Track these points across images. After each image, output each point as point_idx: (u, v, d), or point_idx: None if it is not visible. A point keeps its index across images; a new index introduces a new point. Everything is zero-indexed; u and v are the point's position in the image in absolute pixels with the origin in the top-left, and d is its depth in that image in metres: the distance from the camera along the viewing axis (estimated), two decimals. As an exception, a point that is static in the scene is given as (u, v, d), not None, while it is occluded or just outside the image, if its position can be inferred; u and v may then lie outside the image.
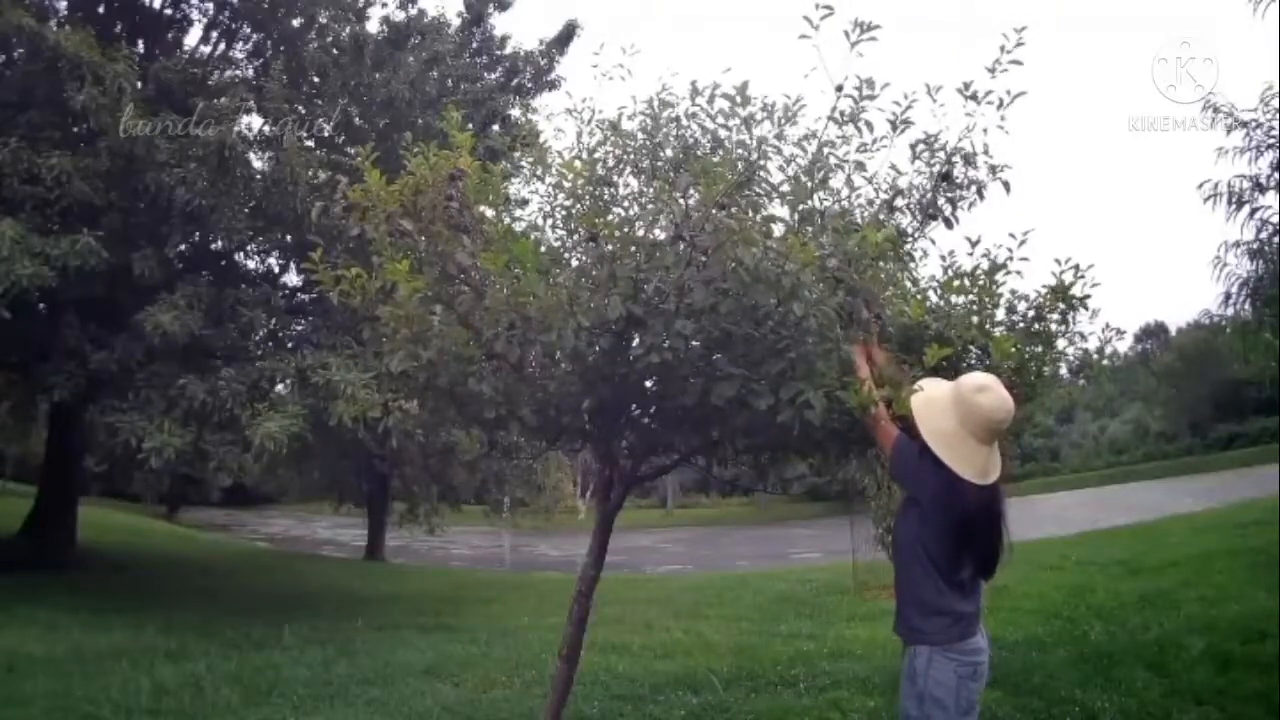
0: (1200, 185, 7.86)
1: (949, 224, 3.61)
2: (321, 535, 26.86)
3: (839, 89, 3.28)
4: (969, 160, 3.55)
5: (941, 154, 3.55)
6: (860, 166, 3.49)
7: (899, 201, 3.58)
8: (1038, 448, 38.84)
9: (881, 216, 3.52)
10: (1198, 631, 6.23)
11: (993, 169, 3.57)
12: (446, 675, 6.58)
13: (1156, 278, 79.75)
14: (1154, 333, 52.25)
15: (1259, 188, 7.61)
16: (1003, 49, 3.34)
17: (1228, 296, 8.28)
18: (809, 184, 3.30)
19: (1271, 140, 7.44)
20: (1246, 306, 8.33)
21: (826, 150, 3.41)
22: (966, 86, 3.37)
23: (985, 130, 3.46)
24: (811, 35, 3.11)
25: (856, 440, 3.32)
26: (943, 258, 3.60)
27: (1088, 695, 4.99)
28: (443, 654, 7.47)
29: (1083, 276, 3.31)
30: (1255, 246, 7.83)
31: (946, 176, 3.54)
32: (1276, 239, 7.71)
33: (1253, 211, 7.64)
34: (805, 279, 2.74)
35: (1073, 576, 10.11)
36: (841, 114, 3.37)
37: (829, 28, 3.13)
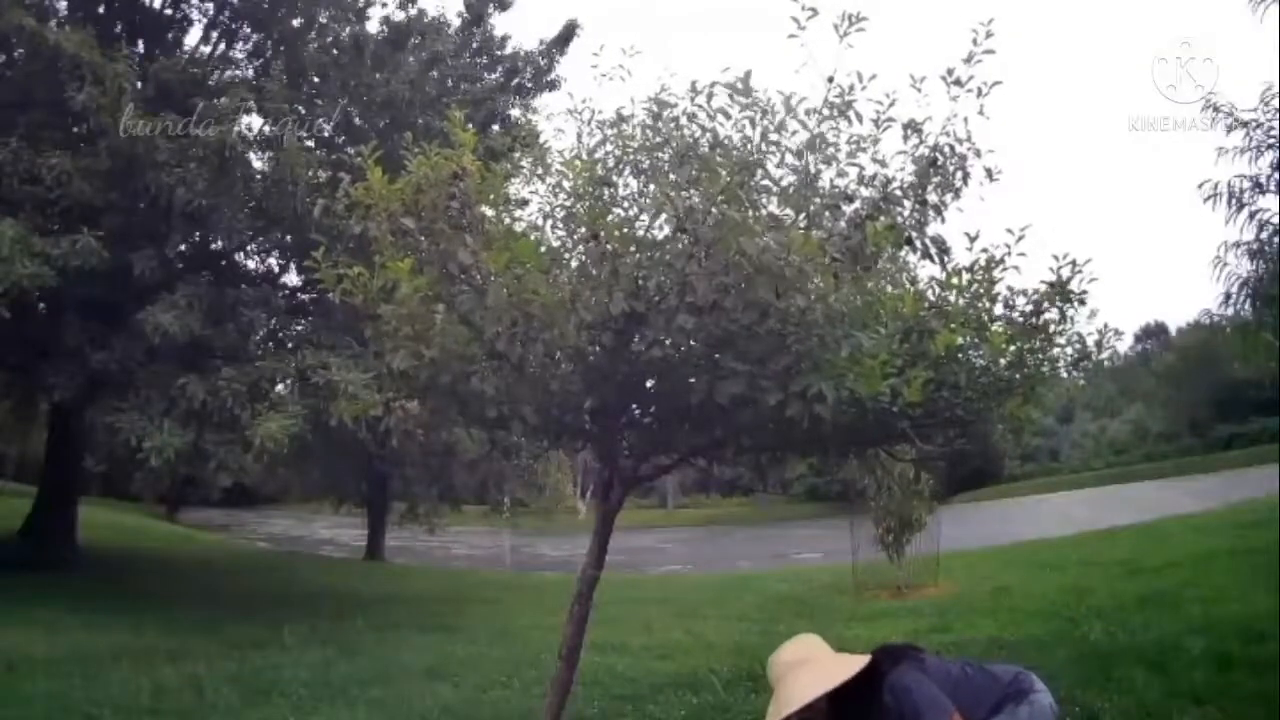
0: (1200, 185, 7.84)
1: (938, 210, 3.63)
2: (321, 535, 26.85)
3: (830, 80, 3.33)
4: (953, 148, 3.58)
5: (929, 140, 3.58)
6: (852, 156, 3.53)
7: (893, 189, 3.60)
8: (1038, 447, 38.87)
9: (877, 199, 3.55)
10: (1198, 631, 6.21)
11: (977, 152, 3.60)
12: (446, 675, 6.58)
13: (1156, 278, 79.64)
14: (1154, 333, 52.30)
15: (1259, 188, 7.59)
16: (974, 42, 3.41)
17: (1228, 296, 8.25)
18: (809, 167, 3.33)
19: (1271, 140, 7.42)
20: (1246, 306, 8.30)
21: (818, 137, 3.44)
22: (950, 73, 3.43)
23: (966, 119, 3.52)
24: (800, 34, 3.19)
25: (860, 435, 3.33)
26: (941, 250, 3.63)
27: (1088, 695, 4.98)
28: (443, 654, 7.47)
29: (1080, 271, 3.34)
30: (1255, 247, 7.81)
31: (933, 163, 3.56)
32: (1276, 239, 7.69)
33: (1252, 214, 7.63)
34: (809, 270, 2.75)
35: (1073, 576, 10.10)
36: (833, 106, 3.40)
37: (822, 21, 3.21)
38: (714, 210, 2.81)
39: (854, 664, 2.49)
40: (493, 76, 13.63)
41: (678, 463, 4.20)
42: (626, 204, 3.55)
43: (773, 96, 3.40)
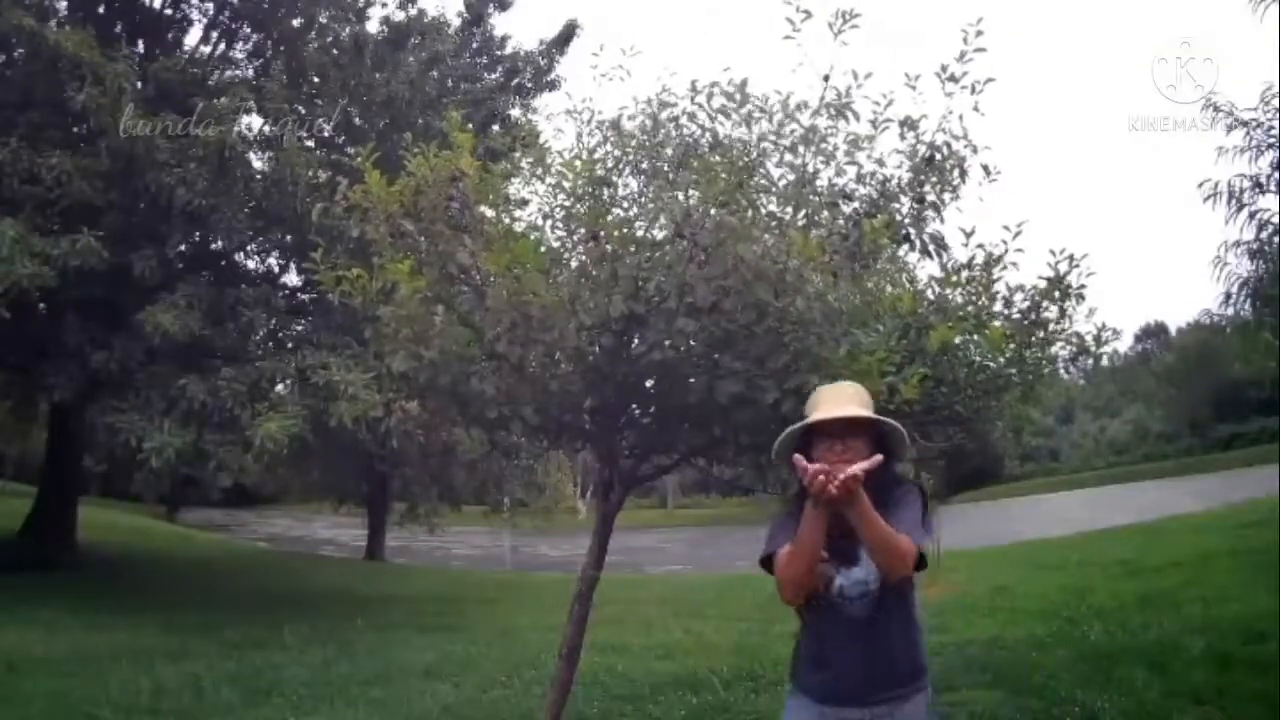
0: (1200, 185, 7.84)
1: (936, 208, 3.63)
2: (321, 535, 26.85)
3: (826, 78, 3.33)
4: (950, 145, 3.58)
5: (925, 137, 3.60)
6: (849, 154, 3.54)
7: (891, 187, 3.61)
8: (1038, 447, 38.85)
9: (875, 196, 3.56)
10: (1198, 631, 6.21)
11: (974, 149, 3.62)
12: (446, 675, 6.58)
13: (1156, 278, 79.84)
14: (1154, 333, 52.31)
15: (1259, 188, 7.59)
16: (964, 40, 3.42)
17: (1228, 296, 8.26)
18: (807, 165, 3.34)
19: (1271, 140, 7.43)
20: (1246, 306, 8.30)
21: (814, 132, 3.45)
22: (944, 69, 3.45)
23: (961, 116, 3.53)
24: (796, 34, 3.22)
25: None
26: (939, 248, 3.64)
27: (1088, 695, 4.98)
28: (443, 654, 7.47)
29: (1077, 265, 3.35)
30: (1255, 246, 7.81)
31: (930, 160, 3.57)
32: (1276, 239, 7.69)
33: (1252, 214, 7.63)
34: (808, 274, 2.75)
35: (1073, 576, 10.11)
36: (830, 106, 3.40)
37: (817, 19, 3.25)
38: (712, 212, 2.81)
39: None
40: (493, 76, 13.64)
41: (678, 463, 4.19)
42: (626, 204, 3.55)
43: (771, 96, 3.42)
